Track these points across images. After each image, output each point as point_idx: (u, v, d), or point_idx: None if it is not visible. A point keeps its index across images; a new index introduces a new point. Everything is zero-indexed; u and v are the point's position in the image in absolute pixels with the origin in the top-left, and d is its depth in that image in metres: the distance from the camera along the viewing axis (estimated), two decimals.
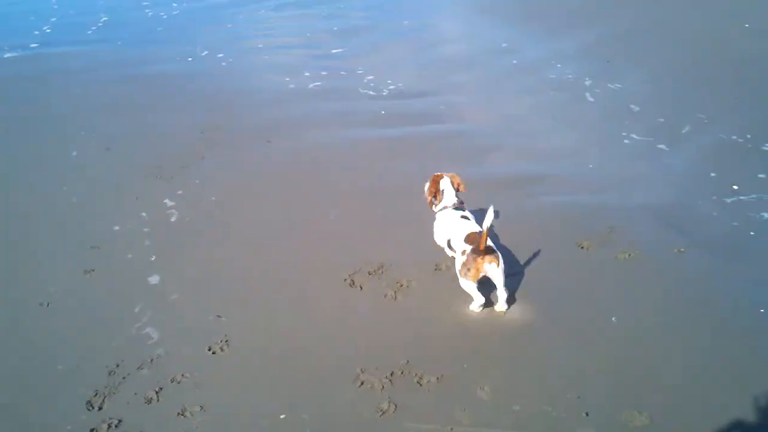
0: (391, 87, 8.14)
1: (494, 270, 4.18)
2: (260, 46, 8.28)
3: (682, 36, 9.41)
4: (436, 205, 4.80)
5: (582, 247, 4.87)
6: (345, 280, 4.54)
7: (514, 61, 8.93)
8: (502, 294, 4.29)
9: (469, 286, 4.30)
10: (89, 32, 10.31)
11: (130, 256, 4.98)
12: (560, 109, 7.58)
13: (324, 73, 8.57)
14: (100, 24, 10.67)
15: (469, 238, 4.33)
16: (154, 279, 4.70)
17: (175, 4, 11.59)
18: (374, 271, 4.63)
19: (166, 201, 5.73)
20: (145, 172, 6.23)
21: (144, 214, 5.55)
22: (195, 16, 11.02)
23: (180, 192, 5.87)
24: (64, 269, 4.85)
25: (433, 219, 4.79)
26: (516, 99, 7.94)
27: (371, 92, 8.03)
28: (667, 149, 6.51)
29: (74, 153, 6.68)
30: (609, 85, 8.16)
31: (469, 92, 8.13)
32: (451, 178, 4.79)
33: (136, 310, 4.33)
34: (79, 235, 5.28)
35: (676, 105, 7.48)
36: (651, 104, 7.55)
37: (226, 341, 4.00)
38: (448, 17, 10.92)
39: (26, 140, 7.02)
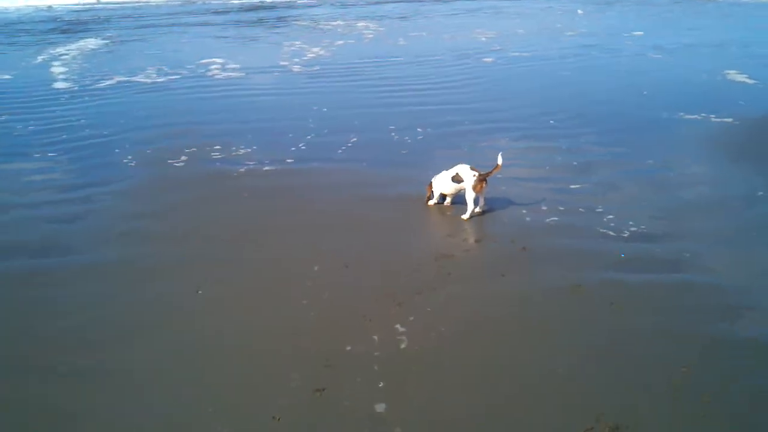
0: (633, 229, 7.90)
1: (485, 190, 8.35)
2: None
3: None
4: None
5: None
6: None
7: None
8: (482, 203, 8.47)
9: (472, 196, 8.23)
10: (339, 151, 11.22)
11: (359, 379, 5.18)
12: None
13: (561, 208, 8.56)
14: (350, 144, 11.58)
15: (474, 169, 8.27)
16: (380, 407, 4.81)
17: (419, 129, 12.29)
18: None
19: (398, 326, 5.91)
20: (378, 294, 6.54)
21: (375, 337, 5.79)
22: (437, 142, 11.63)
23: (411, 318, 6.04)
24: (298, 384, 5.12)
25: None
26: None
27: (611, 232, 7.85)
28: None
29: (316, 267, 7.16)
30: None
31: (717, 241, 7.66)
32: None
33: None
34: (313, 351, 5.59)
35: None
36: None
37: None
38: (696, 158, 10.50)
39: (277, 250, 7.64)
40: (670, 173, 9.82)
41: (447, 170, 8.53)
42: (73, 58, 21.85)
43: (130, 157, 11.25)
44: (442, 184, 8.58)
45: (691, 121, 12.52)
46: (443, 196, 8.77)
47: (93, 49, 23.69)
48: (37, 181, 10.24)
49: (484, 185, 8.30)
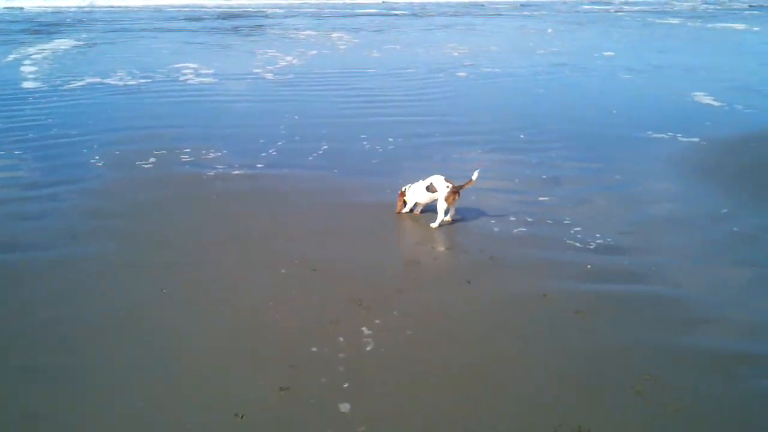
0: (599, 241, 8.01)
1: (456, 202, 8.41)
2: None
3: None
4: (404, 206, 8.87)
5: None
6: None
7: (735, 228, 8.46)
8: (452, 213, 8.52)
9: (443, 206, 8.33)
10: (310, 158, 11.25)
11: (324, 380, 5.19)
12: None
13: (530, 219, 8.66)
14: (321, 152, 11.61)
15: (448, 181, 8.35)
16: (344, 407, 4.82)
17: (390, 139, 12.37)
18: None
19: (363, 329, 5.93)
20: (345, 297, 6.55)
21: (341, 338, 5.78)
22: (408, 152, 11.70)
23: (377, 322, 6.06)
24: (262, 383, 5.11)
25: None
26: (733, 269, 7.47)
27: (577, 244, 7.95)
28: None
29: (283, 270, 7.16)
30: None
31: (681, 256, 7.78)
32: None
33: None
34: (278, 351, 5.59)
35: None
36: None
37: None
38: (663, 175, 10.68)
39: (244, 252, 7.64)
40: (637, 189, 9.98)
41: (422, 180, 8.59)
42: (44, 58, 21.65)
43: (97, 157, 11.16)
44: (416, 193, 8.65)
45: (659, 139, 12.73)
46: (414, 205, 8.84)
47: (65, 51, 23.49)
48: (1, 178, 10.11)
49: (456, 197, 8.39)
